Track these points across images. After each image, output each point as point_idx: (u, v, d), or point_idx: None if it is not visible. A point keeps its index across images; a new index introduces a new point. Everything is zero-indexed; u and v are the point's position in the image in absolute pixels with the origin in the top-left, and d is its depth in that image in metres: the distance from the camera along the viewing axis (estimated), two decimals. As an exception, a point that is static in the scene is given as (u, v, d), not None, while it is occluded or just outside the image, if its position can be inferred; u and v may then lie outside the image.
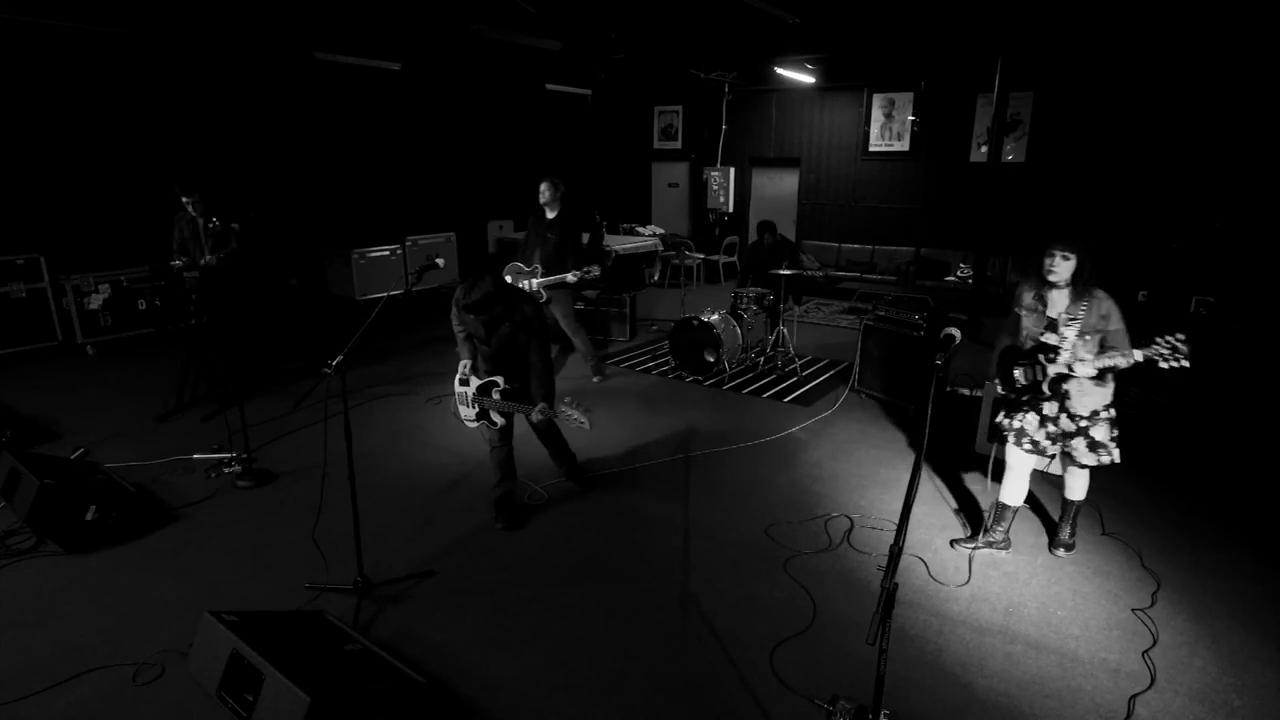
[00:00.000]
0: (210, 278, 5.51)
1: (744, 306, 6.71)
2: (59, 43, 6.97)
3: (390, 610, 3.19)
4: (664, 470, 4.64)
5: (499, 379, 3.67)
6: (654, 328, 8.38)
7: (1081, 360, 3.16)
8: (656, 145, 13.27)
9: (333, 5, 7.48)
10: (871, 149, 10.83)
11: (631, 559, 3.63)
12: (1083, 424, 3.34)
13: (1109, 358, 3.10)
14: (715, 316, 6.37)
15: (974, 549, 3.68)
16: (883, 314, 5.88)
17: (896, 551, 2.10)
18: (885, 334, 5.80)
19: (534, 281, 5.89)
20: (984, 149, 9.55)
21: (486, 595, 3.32)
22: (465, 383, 3.72)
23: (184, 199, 5.48)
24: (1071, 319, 3.26)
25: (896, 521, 2.18)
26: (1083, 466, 3.43)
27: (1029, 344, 3.40)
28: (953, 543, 3.75)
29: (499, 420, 3.70)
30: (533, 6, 7.12)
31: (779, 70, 10.22)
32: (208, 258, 5.43)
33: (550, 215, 5.97)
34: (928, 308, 5.75)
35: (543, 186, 5.95)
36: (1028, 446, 3.45)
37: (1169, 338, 2.88)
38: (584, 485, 4.35)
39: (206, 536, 3.80)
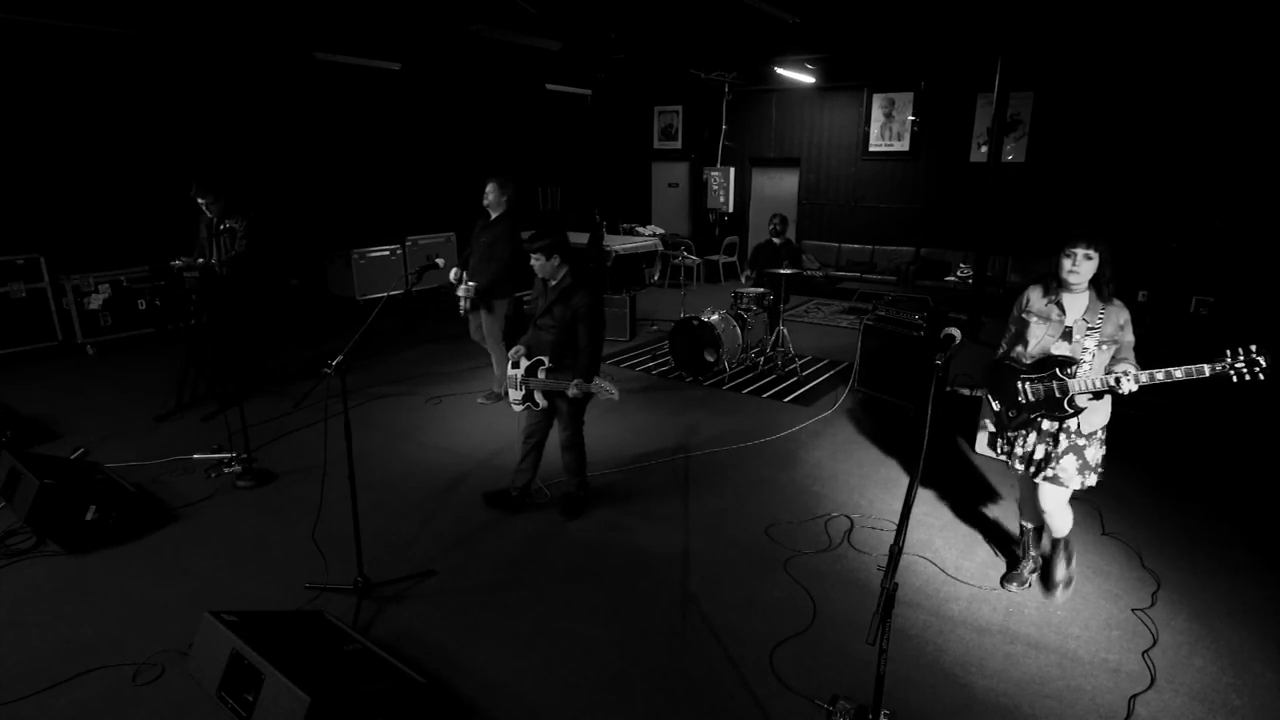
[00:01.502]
0: (211, 278, 5.51)
1: (744, 306, 6.71)
2: (58, 43, 6.97)
3: (390, 610, 3.19)
4: (664, 470, 4.64)
5: (544, 359, 3.75)
6: (654, 328, 8.38)
7: (1126, 375, 2.69)
8: (656, 145, 13.27)
9: (333, 5, 7.48)
10: (871, 149, 10.83)
11: (631, 559, 3.63)
12: (1079, 442, 3.01)
13: (1162, 371, 2.65)
14: (715, 316, 6.37)
15: (1022, 586, 3.35)
16: (883, 314, 5.88)
17: (896, 551, 2.10)
18: (885, 334, 5.79)
19: (460, 288, 5.38)
20: (984, 149, 9.54)
21: (486, 595, 3.32)
22: (516, 365, 3.81)
23: (199, 200, 5.47)
24: (1091, 328, 2.92)
25: (896, 521, 2.18)
26: (1064, 486, 3.04)
27: (1032, 357, 3.05)
28: (1003, 582, 3.40)
29: (541, 402, 3.76)
30: (533, 6, 7.12)
31: (779, 70, 10.21)
32: (213, 261, 5.43)
33: (492, 217, 5.45)
34: (928, 308, 5.75)
35: (488, 187, 5.38)
36: (1033, 470, 3.10)
37: (1241, 350, 2.53)
38: (566, 512, 4.02)
39: (206, 536, 3.80)
